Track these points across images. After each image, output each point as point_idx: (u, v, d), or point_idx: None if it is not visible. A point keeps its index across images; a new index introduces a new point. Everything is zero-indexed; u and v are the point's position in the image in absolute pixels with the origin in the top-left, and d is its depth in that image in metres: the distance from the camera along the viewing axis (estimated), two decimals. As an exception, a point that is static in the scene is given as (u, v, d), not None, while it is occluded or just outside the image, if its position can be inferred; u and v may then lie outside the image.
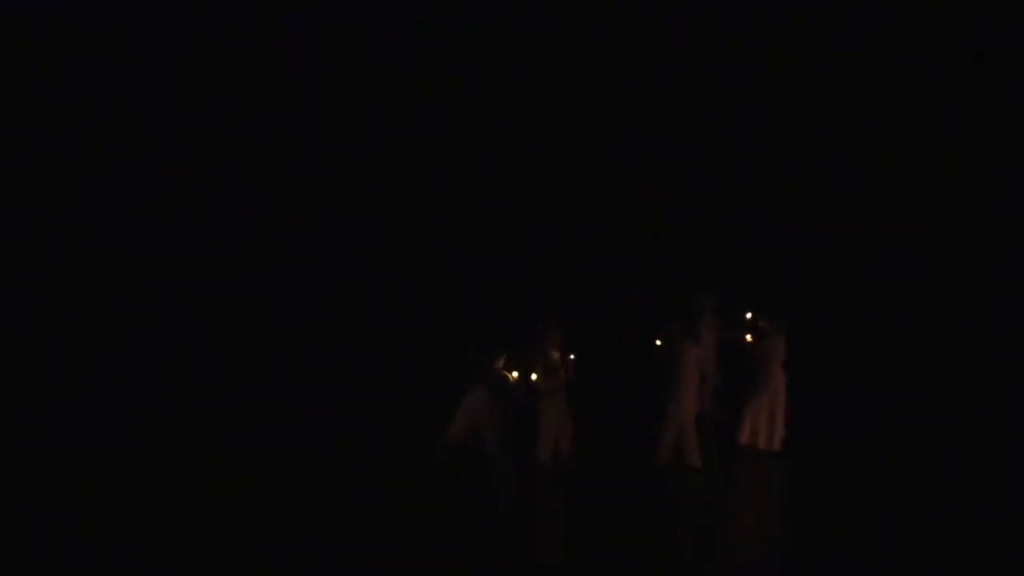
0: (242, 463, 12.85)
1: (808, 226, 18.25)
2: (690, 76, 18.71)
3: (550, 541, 11.21)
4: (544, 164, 18.72)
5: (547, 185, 18.76)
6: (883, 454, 13.31)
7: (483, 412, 12.78)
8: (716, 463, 13.34)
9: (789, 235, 18.26)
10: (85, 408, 14.67)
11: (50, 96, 18.02)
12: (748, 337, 13.83)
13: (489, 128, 18.87)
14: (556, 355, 12.90)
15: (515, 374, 12.50)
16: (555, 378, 12.86)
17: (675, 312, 13.71)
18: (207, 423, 14.33)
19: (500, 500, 11.83)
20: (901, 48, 18.11)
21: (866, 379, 16.07)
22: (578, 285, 17.90)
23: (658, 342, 13.30)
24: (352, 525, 10.86)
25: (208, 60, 18.40)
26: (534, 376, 12.55)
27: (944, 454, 13.18)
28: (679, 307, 14.42)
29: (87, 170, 18.18)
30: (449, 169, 19.01)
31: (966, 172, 17.96)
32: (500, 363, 12.47)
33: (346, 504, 11.49)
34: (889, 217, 18.08)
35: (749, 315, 13.92)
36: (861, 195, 18.32)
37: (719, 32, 18.54)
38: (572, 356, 12.94)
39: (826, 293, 17.69)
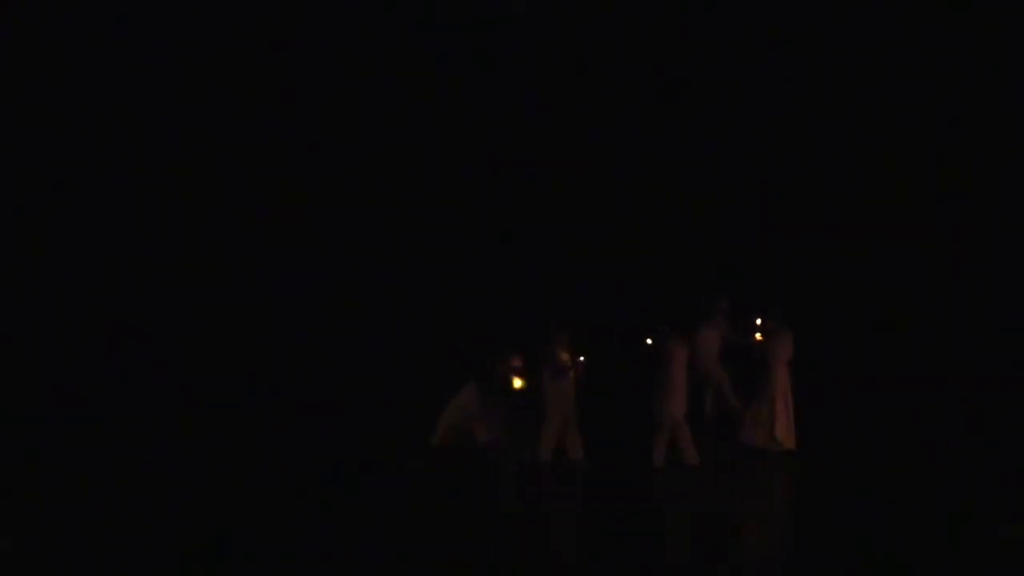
0: (244, 463, 12.86)
1: (817, 227, 18.24)
2: (694, 76, 18.72)
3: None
4: (553, 166, 18.72)
5: (556, 186, 18.77)
6: (889, 455, 13.28)
7: (476, 413, 12.80)
8: (716, 462, 13.37)
9: (797, 236, 18.24)
10: (80, 409, 14.69)
11: (50, 96, 18.03)
12: (758, 336, 13.78)
13: (498, 131, 18.88)
14: (565, 356, 12.92)
15: (519, 382, 12.55)
16: (564, 379, 12.90)
17: (667, 312, 13.74)
18: (204, 424, 14.34)
19: (501, 499, 11.85)
20: (902, 48, 18.11)
21: (872, 379, 16.05)
22: (587, 287, 17.90)
23: (649, 341, 13.35)
24: (353, 525, 10.86)
25: (208, 60, 18.39)
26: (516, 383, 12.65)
27: (949, 455, 13.14)
28: (674, 307, 14.45)
29: (87, 170, 18.17)
30: (455, 171, 19.01)
31: (970, 173, 17.95)
32: (512, 364, 12.51)
33: (347, 504, 11.50)
34: (899, 218, 18.06)
35: (759, 320, 13.86)
36: (870, 196, 18.31)
37: (725, 31, 18.53)
38: (582, 358, 12.98)
39: (832, 293, 17.67)
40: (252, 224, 18.57)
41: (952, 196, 17.96)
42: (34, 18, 17.83)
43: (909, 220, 18.05)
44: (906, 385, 15.73)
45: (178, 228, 18.45)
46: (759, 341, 13.79)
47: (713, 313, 14.66)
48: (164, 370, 16.37)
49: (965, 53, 17.95)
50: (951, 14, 17.92)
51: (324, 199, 18.76)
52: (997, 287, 17.52)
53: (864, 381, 16.03)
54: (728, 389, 14.81)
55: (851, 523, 10.88)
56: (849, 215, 18.33)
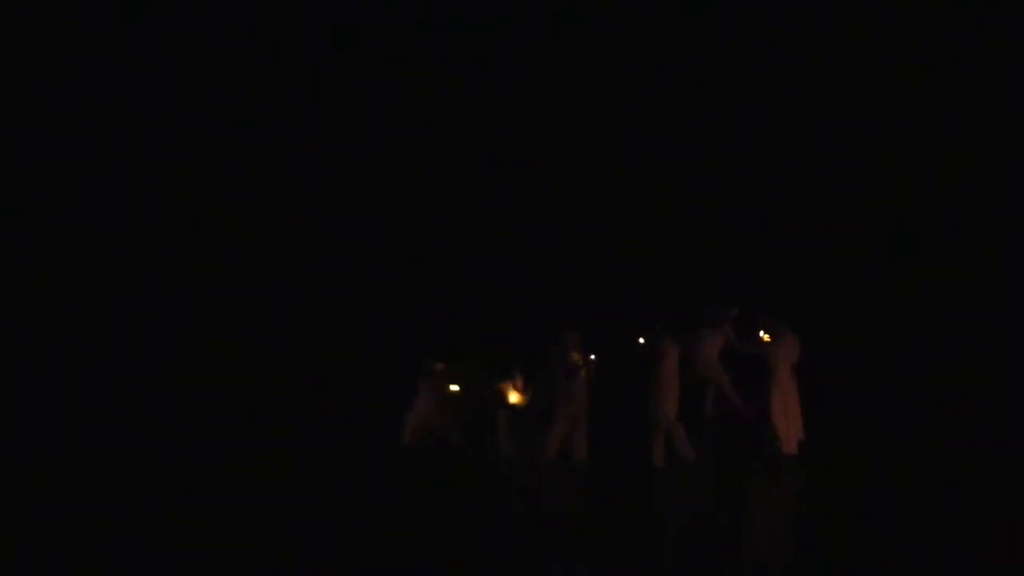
0: (242, 464, 12.84)
1: (827, 231, 18.21)
2: (694, 76, 18.71)
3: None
4: (563, 170, 18.73)
5: (565, 191, 18.77)
6: (890, 457, 13.24)
7: (447, 413, 12.81)
8: (716, 463, 13.38)
9: (806, 239, 18.21)
10: (75, 409, 14.69)
11: (50, 96, 18.01)
12: (767, 338, 13.65)
13: (498, 131, 18.86)
14: (576, 356, 12.93)
15: (515, 397, 12.58)
16: (575, 380, 12.91)
17: (662, 312, 13.75)
18: (197, 425, 14.32)
19: (501, 499, 11.85)
20: (902, 48, 18.09)
21: (880, 383, 16.02)
22: (597, 289, 17.90)
23: (641, 340, 13.37)
24: (352, 525, 10.85)
25: (208, 60, 18.37)
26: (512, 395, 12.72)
27: (959, 460, 13.09)
28: (672, 307, 14.45)
29: (87, 170, 18.15)
30: (456, 172, 19.00)
31: (970, 173, 17.93)
32: (514, 380, 12.56)
33: (347, 505, 11.49)
34: (909, 221, 18.03)
35: (763, 333, 13.74)
36: (880, 200, 18.28)
37: (727, 34, 18.51)
38: (593, 357, 13.01)
39: (840, 297, 17.64)
40: (248, 224, 18.54)
41: (952, 196, 17.94)
42: (34, 18, 17.82)
43: (909, 220, 18.04)
44: (920, 390, 15.68)
45: (176, 228, 18.43)
46: (765, 343, 13.66)
47: (722, 322, 14.59)
48: (161, 370, 16.35)
49: (965, 53, 17.93)
50: (951, 14, 17.90)
51: (323, 199, 18.74)
52: (998, 287, 17.49)
53: (864, 383, 16.01)
54: (730, 390, 14.80)
55: (851, 524, 10.86)
56: (849, 215, 18.32)
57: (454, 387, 12.82)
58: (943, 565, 9.70)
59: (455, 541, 10.41)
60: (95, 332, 17.03)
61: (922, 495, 11.78)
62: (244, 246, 18.30)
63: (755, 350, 13.76)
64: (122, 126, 18.21)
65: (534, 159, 18.75)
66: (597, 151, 18.91)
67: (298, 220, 18.62)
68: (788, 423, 13.36)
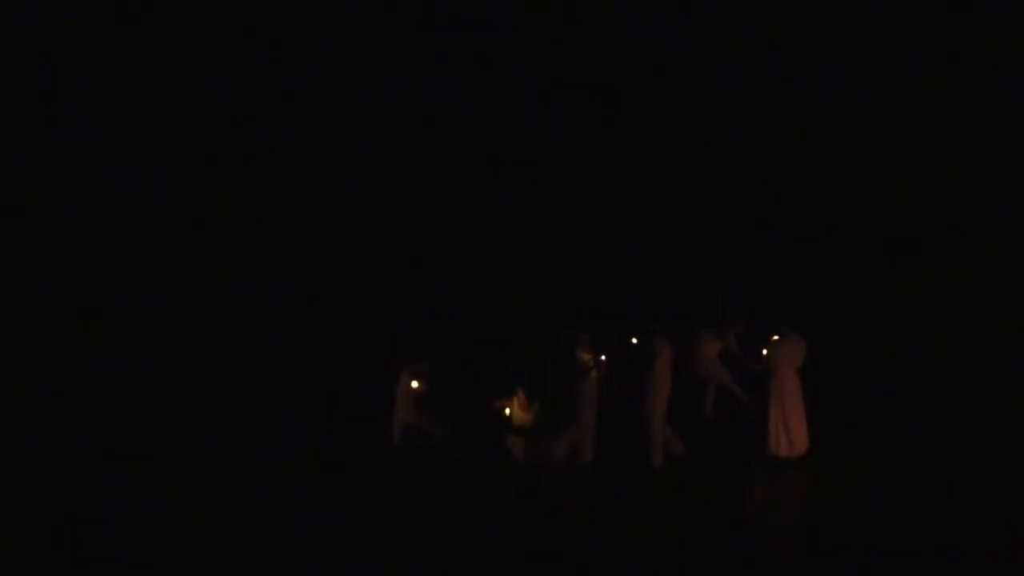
0: (238, 466, 12.84)
1: (828, 231, 18.21)
2: (698, 80, 18.72)
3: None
4: (568, 173, 18.73)
5: (565, 191, 18.77)
6: (898, 460, 13.22)
7: (433, 413, 12.79)
8: (717, 464, 13.38)
9: (807, 240, 18.20)
10: (65, 409, 14.70)
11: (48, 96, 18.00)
12: (775, 337, 13.52)
13: (498, 131, 18.86)
14: (587, 357, 12.91)
15: (514, 411, 12.57)
16: (586, 381, 12.89)
17: (658, 312, 13.75)
18: (193, 427, 14.32)
19: (503, 499, 11.85)
20: (907, 48, 18.08)
21: (881, 383, 16.00)
22: (596, 289, 17.88)
23: (634, 340, 13.36)
24: (352, 525, 10.85)
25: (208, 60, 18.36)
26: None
27: (960, 460, 13.07)
28: (669, 308, 14.46)
29: (86, 170, 18.14)
30: (455, 173, 19.00)
31: (970, 173, 17.94)
32: (517, 397, 12.56)
33: (346, 505, 11.48)
34: (909, 221, 18.03)
35: (768, 345, 13.64)
36: (880, 200, 18.28)
37: (727, 34, 18.50)
38: (603, 357, 12.99)
39: (841, 298, 17.62)
40: (248, 224, 18.52)
41: (952, 196, 17.93)
42: (34, 17, 17.82)
43: (909, 220, 18.04)
44: (924, 391, 15.66)
45: (176, 228, 18.42)
46: (768, 346, 13.54)
47: (726, 332, 14.53)
48: (158, 370, 16.34)
49: (965, 53, 17.93)
50: (951, 14, 17.90)
51: (322, 199, 18.73)
52: (998, 287, 17.49)
53: (865, 383, 16.00)
54: (733, 386, 14.80)
55: (852, 525, 10.86)
56: (849, 215, 18.33)
57: (415, 383, 12.69)
58: (943, 565, 9.70)
59: (455, 541, 10.41)
60: (95, 332, 17.03)
61: (923, 495, 11.78)
62: (243, 246, 18.29)
63: (756, 366, 13.64)
64: (122, 126, 18.19)
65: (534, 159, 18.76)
66: (597, 151, 18.93)
67: (296, 220, 18.60)
68: (788, 426, 13.24)
